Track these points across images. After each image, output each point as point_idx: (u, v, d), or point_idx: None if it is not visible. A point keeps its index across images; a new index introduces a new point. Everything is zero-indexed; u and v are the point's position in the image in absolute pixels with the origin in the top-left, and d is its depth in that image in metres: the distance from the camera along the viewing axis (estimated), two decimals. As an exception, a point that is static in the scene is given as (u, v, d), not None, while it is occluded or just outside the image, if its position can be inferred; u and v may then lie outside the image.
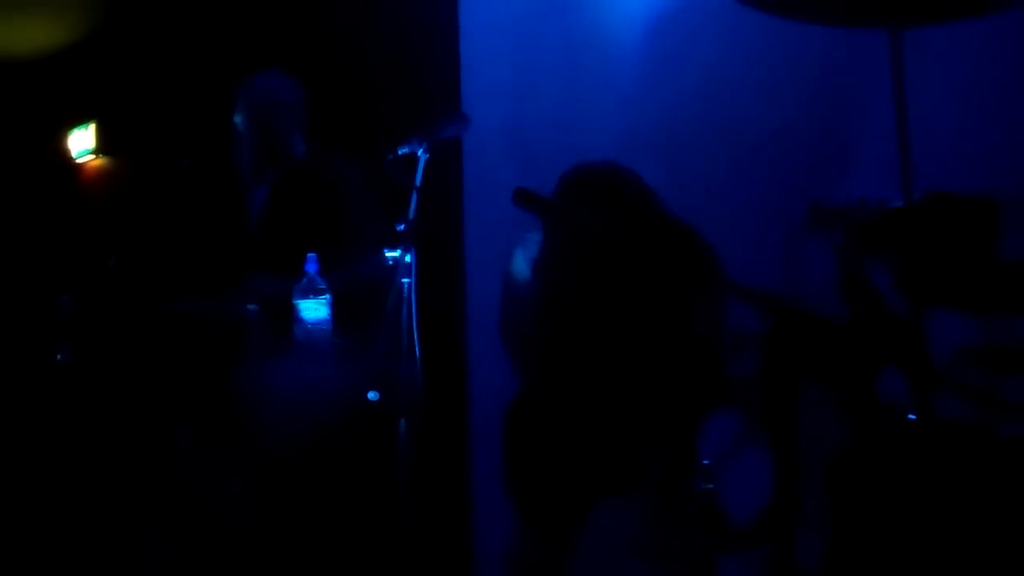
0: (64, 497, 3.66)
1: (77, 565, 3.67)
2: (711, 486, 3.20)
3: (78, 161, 7.36)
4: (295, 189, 4.25)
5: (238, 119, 4.35)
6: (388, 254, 3.17)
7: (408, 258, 3.12)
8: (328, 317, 3.61)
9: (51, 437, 3.69)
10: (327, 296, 3.60)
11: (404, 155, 3.28)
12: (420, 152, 3.24)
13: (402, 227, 3.13)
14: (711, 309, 3.44)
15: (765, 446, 2.94)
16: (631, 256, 3.28)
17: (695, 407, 3.33)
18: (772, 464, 2.71)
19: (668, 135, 4.29)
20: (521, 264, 3.73)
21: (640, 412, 3.38)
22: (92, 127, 7.28)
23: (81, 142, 7.35)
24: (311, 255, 3.64)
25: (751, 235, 3.81)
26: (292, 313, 3.59)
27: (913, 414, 2.92)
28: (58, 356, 3.71)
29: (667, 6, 4.57)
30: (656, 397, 3.38)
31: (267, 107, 4.33)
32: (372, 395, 3.11)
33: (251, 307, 3.74)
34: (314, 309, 3.60)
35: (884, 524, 2.77)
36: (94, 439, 3.65)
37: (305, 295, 3.60)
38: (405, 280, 3.11)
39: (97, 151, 7.27)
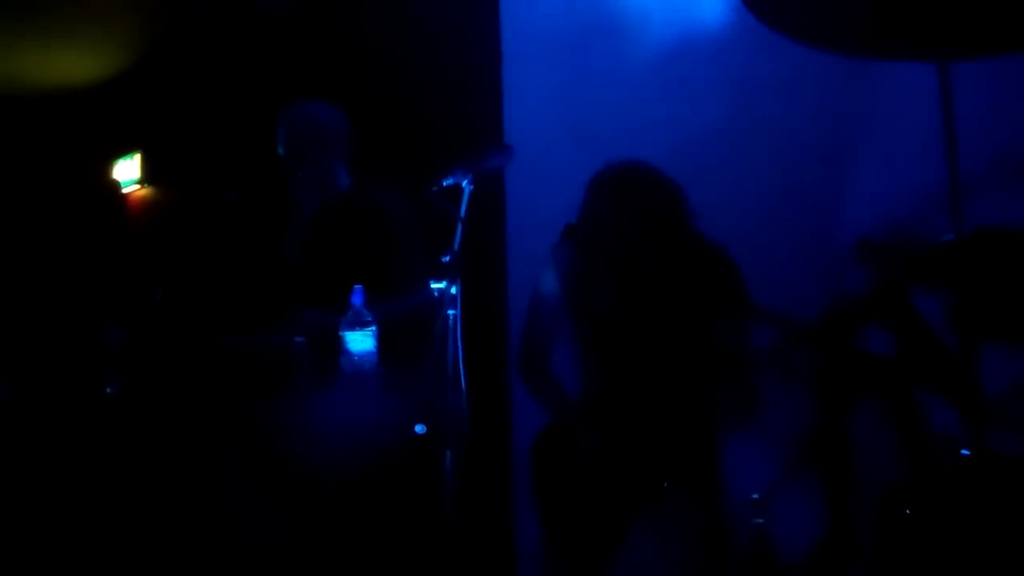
0: (113, 529, 3.67)
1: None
2: (761, 520, 3.18)
3: (123, 192, 7.41)
4: (341, 220, 4.26)
5: (280, 148, 4.36)
6: (434, 285, 3.17)
7: (453, 289, 3.12)
8: (374, 349, 3.60)
9: (100, 469, 3.70)
10: (373, 328, 3.60)
11: (448, 186, 3.29)
12: (464, 183, 3.24)
13: (447, 259, 3.14)
14: (736, 326, 3.44)
15: (815, 481, 2.93)
16: (667, 281, 3.29)
17: (720, 416, 3.33)
18: (824, 499, 2.69)
19: (713, 166, 4.28)
20: (550, 280, 3.74)
21: (669, 428, 3.38)
22: (137, 157, 7.34)
23: (126, 172, 7.41)
24: (357, 287, 3.64)
25: (800, 269, 3.79)
26: (338, 345, 3.60)
27: (966, 449, 2.90)
28: (107, 389, 3.73)
29: (712, 35, 4.57)
30: (684, 413, 3.37)
31: (309, 136, 4.34)
32: (419, 428, 3.11)
33: (298, 339, 3.74)
34: (360, 341, 3.60)
35: (937, 560, 2.74)
36: (143, 471, 3.66)
37: (351, 327, 3.60)
38: (451, 311, 3.11)
39: (142, 181, 7.32)
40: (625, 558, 3.36)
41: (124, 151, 7.38)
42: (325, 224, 4.33)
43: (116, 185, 7.39)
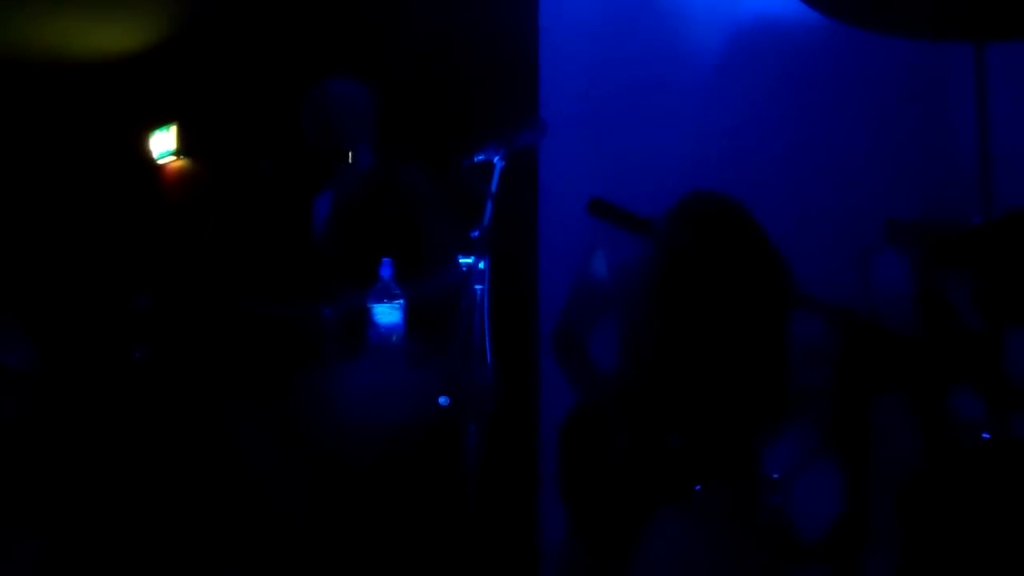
0: (138, 495, 3.70)
1: (150, 560, 3.71)
2: (780, 500, 3.18)
3: (159, 163, 7.46)
4: (367, 199, 4.25)
5: (305, 125, 4.35)
6: (462, 260, 3.17)
7: (482, 265, 3.12)
8: (401, 322, 3.62)
9: (127, 434, 3.74)
10: (401, 301, 3.61)
11: (480, 162, 3.29)
12: (496, 159, 3.24)
13: (476, 234, 3.14)
14: (784, 328, 3.42)
15: (835, 461, 2.91)
16: (712, 269, 3.27)
17: (760, 419, 3.31)
18: (842, 480, 2.68)
19: (744, 146, 4.28)
20: (601, 264, 3.70)
21: (708, 420, 3.36)
22: (173, 129, 7.38)
23: (162, 144, 7.45)
24: (386, 260, 3.65)
25: (828, 249, 3.77)
26: (366, 317, 3.61)
27: (988, 433, 2.88)
28: (135, 354, 3.76)
29: (745, 19, 4.55)
30: (725, 407, 3.35)
31: (335, 113, 4.33)
32: (443, 399, 3.13)
33: (325, 310, 3.76)
34: (387, 313, 3.61)
35: (956, 544, 2.73)
36: (169, 437, 3.69)
37: (379, 299, 3.61)
38: (478, 287, 3.11)
39: (178, 153, 7.36)
40: (650, 544, 3.36)
41: (161, 123, 7.43)
42: (351, 203, 4.32)
43: (149, 155, 7.44)
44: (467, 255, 3.14)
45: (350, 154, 4.32)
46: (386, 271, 3.65)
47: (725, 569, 3.18)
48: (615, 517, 3.39)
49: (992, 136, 3.29)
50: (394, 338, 3.62)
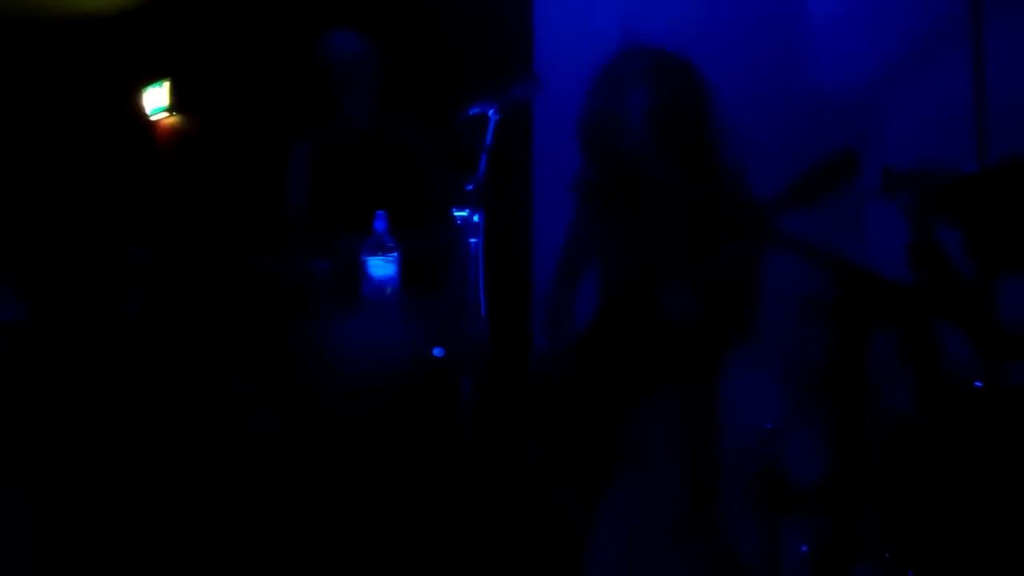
0: (130, 447, 3.71)
1: (145, 514, 3.73)
2: (773, 450, 3.18)
3: (152, 119, 7.44)
4: (368, 154, 4.23)
5: (307, 80, 4.32)
6: (456, 214, 3.17)
7: (476, 218, 3.12)
8: (395, 274, 3.62)
9: (120, 386, 3.74)
10: (395, 254, 3.61)
11: (475, 115, 3.28)
12: (491, 112, 3.23)
13: (471, 187, 3.14)
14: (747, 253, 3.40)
15: (829, 411, 2.92)
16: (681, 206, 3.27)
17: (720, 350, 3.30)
18: (836, 430, 2.69)
19: (738, 91, 4.25)
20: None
21: (669, 356, 3.34)
22: (166, 85, 7.36)
23: (155, 100, 7.42)
24: (380, 213, 3.65)
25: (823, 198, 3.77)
26: (360, 270, 3.61)
27: (980, 381, 2.89)
28: (127, 307, 3.75)
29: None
30: (685, 340, 3.34)
31: (339, 68, 4.30)
32: (437, 352, 3.13)
33: (318, 264, 3.76)
34: (381, 266, 3.61)
35: (948, 493, 2.75)
36: (161, 389, 3.70)
37: (373, 252, 3.61)
38: (472, 240, 3.12)
39: (171, 109, 7.34)
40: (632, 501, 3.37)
41: (154, 79, 7.40)
42: (352, 158, 4.30)
43: (144, 112, 7.42)
44: (462, 208, 3.15)
45: (347, 108, 4.28)
46: (380, 224, 3.64)
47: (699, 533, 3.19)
48: (587, 452, 3.38)
49: (988, 84, 3.28)
50: (388, 291, 3.62)
